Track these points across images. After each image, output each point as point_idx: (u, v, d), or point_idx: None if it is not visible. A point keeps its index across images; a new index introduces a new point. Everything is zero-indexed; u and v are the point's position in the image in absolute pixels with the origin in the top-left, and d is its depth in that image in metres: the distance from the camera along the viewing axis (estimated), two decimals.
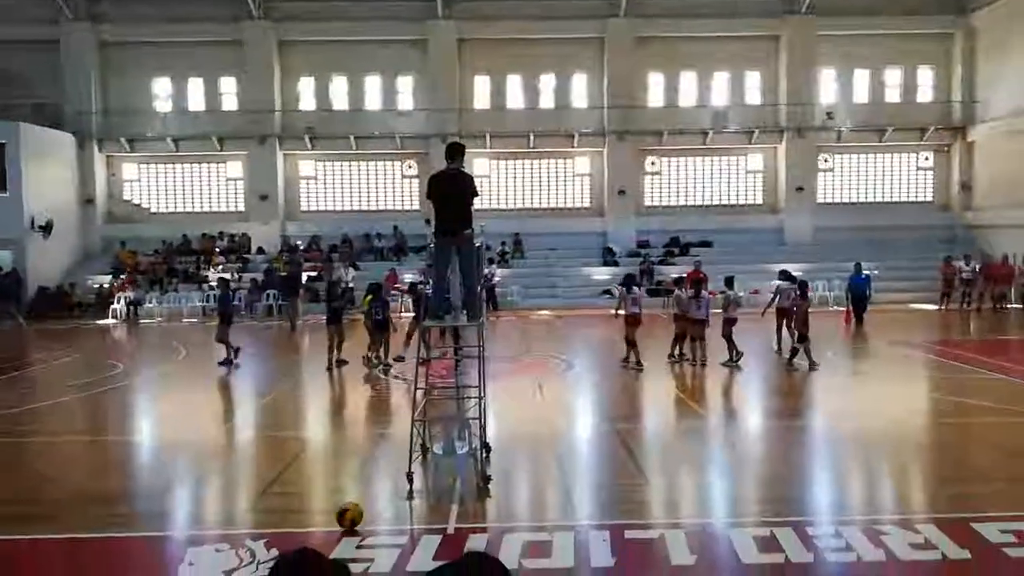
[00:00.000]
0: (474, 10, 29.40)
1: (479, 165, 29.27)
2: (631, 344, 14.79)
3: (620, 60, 29.60)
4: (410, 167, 30.86)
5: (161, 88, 30.31)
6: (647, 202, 31.03)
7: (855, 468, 8.97)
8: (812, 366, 14.29)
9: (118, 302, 25.79)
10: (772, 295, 17.11)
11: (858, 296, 20.89)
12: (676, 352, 15.44)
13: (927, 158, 31.17)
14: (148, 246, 29.33)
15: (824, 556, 6.19)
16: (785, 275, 17.11)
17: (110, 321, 25.09)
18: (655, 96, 30.46)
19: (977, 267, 25.19)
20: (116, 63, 29.95)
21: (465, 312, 8.21)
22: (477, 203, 8.28)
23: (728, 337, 15.04)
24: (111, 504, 7.71)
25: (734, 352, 15.02)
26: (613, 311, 15.85)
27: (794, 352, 14.76)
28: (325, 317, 15.76)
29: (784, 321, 16.24)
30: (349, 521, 6.62)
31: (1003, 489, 7.74)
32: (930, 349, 17.24)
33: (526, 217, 30.26)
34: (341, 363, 15.17)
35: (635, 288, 15.45)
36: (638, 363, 14.67)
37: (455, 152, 8.26)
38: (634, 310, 14.91)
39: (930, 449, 9.69)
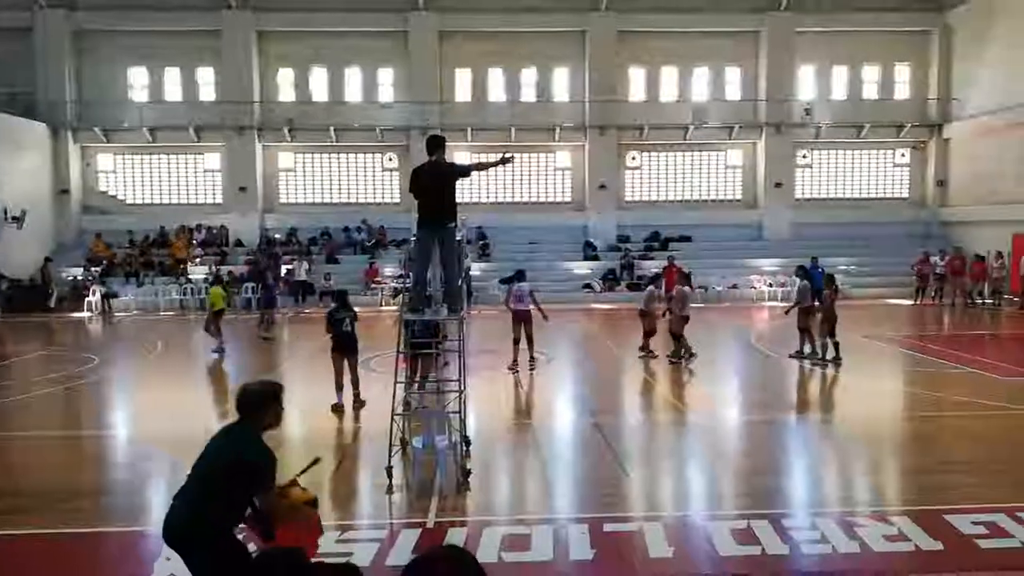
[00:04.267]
0: (455, 2, 29.27)
1: (460, 159, 29.14)
2: (516, 343, 14.07)
3: (601, 54, 29.64)
4: (391, 160, 30.72)
5: (137, 78, 29.91)
6: (627, 197, 31.15)
7: (830, 461, 9.08)
8: (824, 360, 14.20)
9: (92, 295, 25.45)
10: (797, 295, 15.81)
11: (813, 289, 21.32)
12: (646, 347, 15.45)
13: (904, 155, 31.56)
14: (124, 238, 28.99)
15: (800, 548, 6.26)
16: (802, 272, 15.83)
17: (85, 314, 24.76)
18: (636, 91, 30.55)
19: (944, 262, 25.59)
20: (91, 51, 29.50)
21: (445, 306, 8.20)
22: (459, 196, 8.25)
23: (679, 334, 14.88)
24: (87, 499, 7.63)
25: (684, 349, 14.90)
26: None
27: (834, 348, 14.37)
28: (330, 342, 11.31)
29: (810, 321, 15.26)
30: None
31: (976, 481, 7.87)
32: (903, 343, 17.49)
33: (507, 211, 30.25)
34: (358, 403, 11.16)
35: (520, 284, 14.24)
36: (514, 362, 14.11)
37: (436, 145, 8.21)
38: (519, 306, 14.01)
39: (904, 441, 9.83)
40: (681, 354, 14.82)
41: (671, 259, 22.92)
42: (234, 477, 4.22)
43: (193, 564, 4.34)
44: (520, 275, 14.65)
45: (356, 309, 11.78)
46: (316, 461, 5.25)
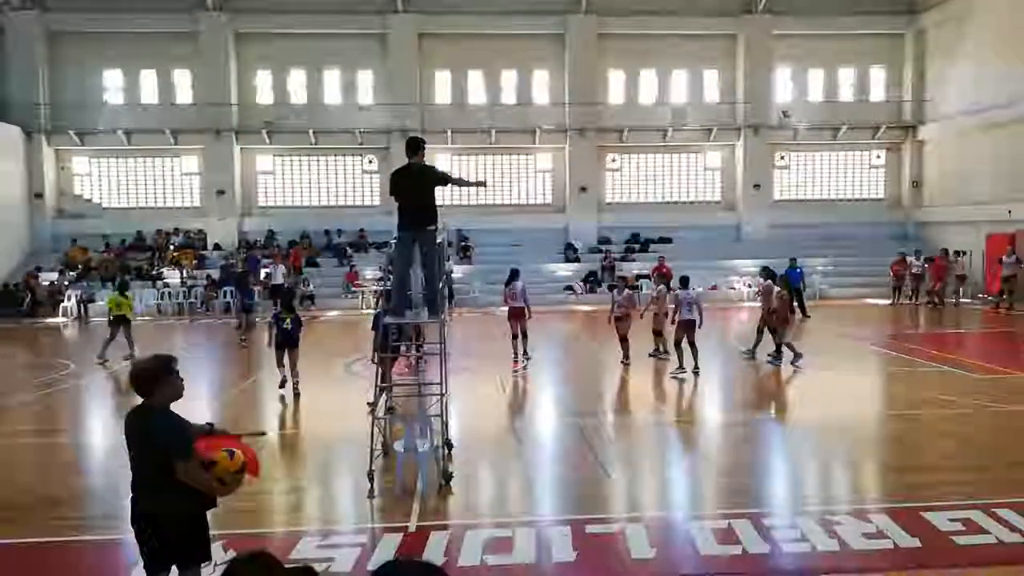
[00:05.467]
0: (434, 4, 29.25)
1: (440, 161, 29.12)
2: (515, 338, 15.31)
3: (581, 57, 29.74)
4: (370, 162, 30.63)
5: (112, 80, 29.57)
6: (608, 199, 31.28)
7: (809, 459, 9.16)
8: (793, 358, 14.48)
9: (68, 300, 25.10)
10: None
11: (792, 289, 21.68)
12: (626, 355, 15.43)
13: (879, 156, 31.96)
14: (100, 242, 28.63)
15: (780, 547, 6.31)
16: (767, 272, 15.85)
17: (60, 319, 24.41)
18: (616, 93, 30.70)
19: (925, 263, 25.90)
20: (65, 53, 29.11)
21: (426, 309, 8.17)
22: (439, 199, 8.24)
23: (661, 333, 15.22)
24: (64, 507, 7.50)
25: (662, 349, 15.27)
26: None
27: (781, 349, 14.63)
28: (274, 337, 12.36)
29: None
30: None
31: (952, 478, 7.96)
32: (880, 342, 17.69)
33: (488, 213, 30.23)
34: (295, 391, 12.29)
35: (515, 283, 15.41)
36: (516, 357, 15.14)
37: (415, 146, 8.19)
38: (514, 303, 15.20)
39: (881, 440, 9.93)
40: (660, 351, 15.25)
41: (661, 259, 23.93)
42: (158, 457, 4.23)
43: (168, 539, 4.31)
44: (515, 274, 15.64)
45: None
46: (262, 434, 5.79)
